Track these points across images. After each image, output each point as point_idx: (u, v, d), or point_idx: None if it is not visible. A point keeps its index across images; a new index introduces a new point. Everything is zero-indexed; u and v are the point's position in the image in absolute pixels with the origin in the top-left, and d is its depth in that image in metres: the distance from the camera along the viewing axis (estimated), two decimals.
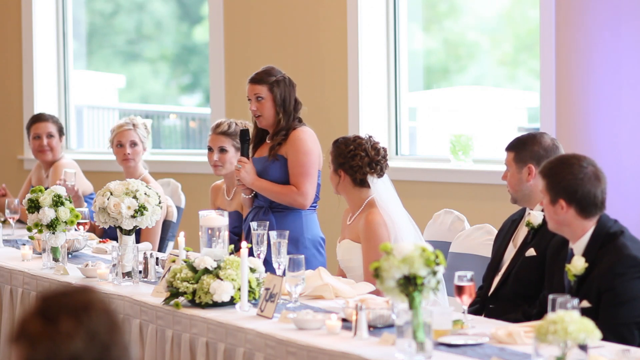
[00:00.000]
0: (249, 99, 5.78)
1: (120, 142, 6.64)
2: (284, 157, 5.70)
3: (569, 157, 4.24)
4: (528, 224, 4.75)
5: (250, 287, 4.49)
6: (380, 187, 5.26)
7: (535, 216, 4.71)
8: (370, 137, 5.29)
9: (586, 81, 6.20)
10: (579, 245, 4.16)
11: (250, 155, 5.82)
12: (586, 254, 4.14)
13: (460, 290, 4.11)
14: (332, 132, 7.77)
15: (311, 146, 5.72)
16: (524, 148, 4.77)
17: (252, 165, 5.74)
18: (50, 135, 7.29)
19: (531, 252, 4.71)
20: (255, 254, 4.94)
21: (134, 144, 6.64)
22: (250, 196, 5.83)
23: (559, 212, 4.13)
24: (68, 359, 2.20)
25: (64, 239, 5.62)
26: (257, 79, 5.78)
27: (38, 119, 7.38)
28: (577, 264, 4.12)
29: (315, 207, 5.81)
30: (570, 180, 4.11)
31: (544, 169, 4.20)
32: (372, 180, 5.23)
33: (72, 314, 2.22)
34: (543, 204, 4.24)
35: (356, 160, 5.21)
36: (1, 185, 7.62)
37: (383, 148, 5.29)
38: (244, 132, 5.80)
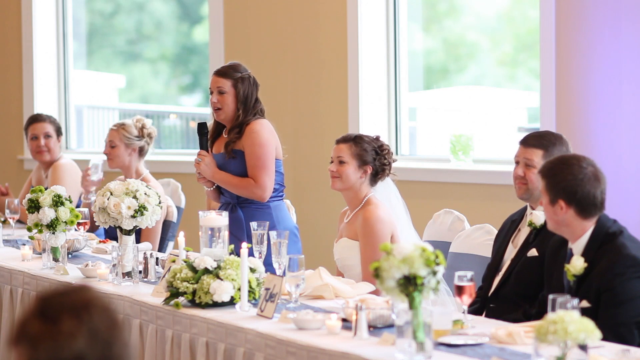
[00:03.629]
0: (210, 92, 5.82)
1: (105, 141, 6.71)
2: (241, 151, 5.74)
3: (568, 157, 4.24)
4: (530, 224, 4.74)
5: (250, 287, 4.49)
6: (391, 186, 5.31)
7: (537, 216, 4.70)
8: None
9: (586, 81, 6.20)
10: (578, 245, 4.16)
11: (209, 148, 5.86)
12: (585, 254, 4.14)
13: (460, 290, 4.11)
14: (332, 132, 7.78)
15: (267, 137, 5.75)
16: (554, 147, 4.73)
17: (212, 158, 5.79)
18: (47, 136, 7.29)
19: (533, 252, 4.70)
20: (255, 254, 4.95)
21: (112, 144, 6.67)
22: (212, 188, 5.85)
23: (558, 213, 4.13)
24: (71, 358, 2.20)
25: (64, 239, 5.62)
26: (222, 72, 5.83)
27: (35, 119, 7.38)
28: (577, 264, 4.12)
29: (282, 196, 5.85)
30: (570, 180, 4.11)
31: (544, 169, 4.20)
32: (387, 179, 5.28)
33: (73, 313, 2.22)
34: (542, 204, 4.23)
35: (387, 158, 5.27)
36: (4, 184, 7.62)
37: None
38: (201, 125, 5.84)
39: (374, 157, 5.24)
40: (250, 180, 5.73)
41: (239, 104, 5.77)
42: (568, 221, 4.13)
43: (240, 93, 5.77)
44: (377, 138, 5.32)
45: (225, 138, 5.83)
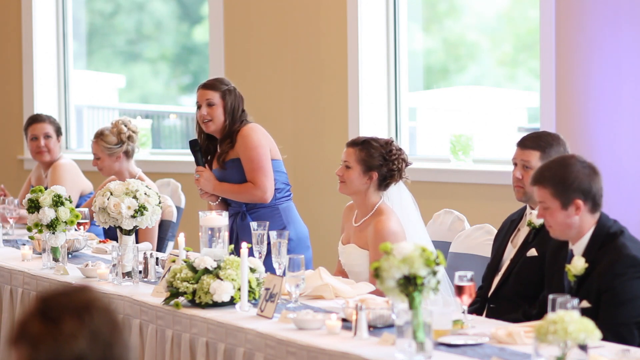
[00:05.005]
0: (198, 106, 5.89)
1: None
2: (237, 159, 5.81)
3: (563, 158, 4.22)
4: (529, 224, 4.74)
5: (250, 287, 4.49)
6: (403, 191, 5.23)
7: (536, 215, 4.69)
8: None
9: (586, 81, 6.20)
10: (579, 246, 4.16)
11: (205, 163, 5.93)
12: (586, 254, 4.14)
13: (460, 290, 4.11)
14: (332, 132, 7.78)
15: (258, 139, 5.80)
16: (551, 148, 4.72)
17: (210, 172, 5.84)
18: (47, 136, 7.28)
19: (532, 252, 4.69)
20: (255, 254, 4.95)
21: (96, 157, 6.69)
22: (217, 202, 5.90)
23: (571, 215, 4.09)
24: (72, 359, 2.20)
25: (64, 239, 5.62)
26: (209, 85, 5.92)
27: (35, 119, 7.38)
28: (577, 265, 4.12)
29: (289, 196, 5.86)
30: (582, 178, 4.10)
31: (545, 178, 4.14)
32: (399, 184, 5.20)
33: (74, 313, 2.22)
34: (546, 214, 4.16)
35: (396, 164, 5.13)
36: (0, 185, 7.62)
37: None
38: (193, 143, 5.92)
39: (381, 163, 5.12)
40: (249, 184, 5.78)
41: (227, 115, 5.84)
42: (580, 220, 4.12)
43: (228, 105, 5.85)
44: (389, 142, 5.16)
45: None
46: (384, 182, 5.16)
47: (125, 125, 6.71)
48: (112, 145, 6.66)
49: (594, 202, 4.12)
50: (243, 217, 5.83)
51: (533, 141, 4.77)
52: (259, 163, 5.76)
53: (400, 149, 5.20)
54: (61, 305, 2.23)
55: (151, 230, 6.43)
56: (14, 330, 2.24)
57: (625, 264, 4.05)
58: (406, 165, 5.19)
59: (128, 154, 6.71)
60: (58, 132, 7.35)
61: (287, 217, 5.83)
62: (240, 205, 5.85)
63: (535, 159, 4.72)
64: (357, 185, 5.15)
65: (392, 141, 5.22)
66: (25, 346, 2.22)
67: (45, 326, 2.21)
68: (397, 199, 5.23)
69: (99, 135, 6.70)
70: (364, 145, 5.15)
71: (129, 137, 6.69)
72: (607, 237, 4.13)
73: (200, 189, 5.88)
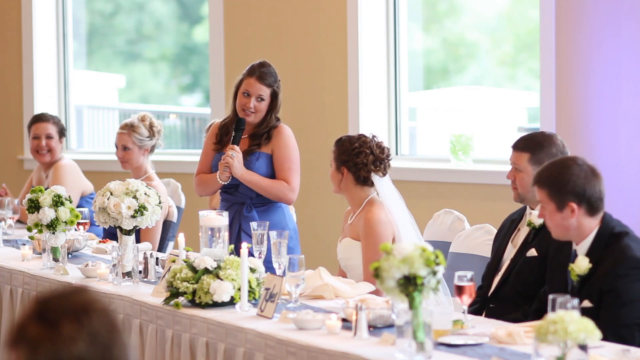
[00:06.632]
0: (246, 94, 5.77)
1: (116, 144, 6.65)
2: (267, 154, 5.75)
3: (563, 160, 4.22)
4: (529, 224, 4.73)
5: (250, 287, 4.50)
6: (384, 186, 5.26)
7: (536, 216, 4.69)
8: (374, 136, 5.29)
9: (586, 81, 6.20)
10: (582, 246, 4.15)
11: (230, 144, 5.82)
12: (590, 253, 4.13)
13: (460, 290, 4.11)
14: (332, 132, 7.78)
15: (295, 143, 5.83)
16: (541, 149, 4.71)
17: (242, 157, 5.73)
18: (49, 137, 7.26)
19: (532, 252, 4.69)
20: (255, 254, 4.95)
21: (125, 147, 6.60)
22: (225, 183, 5.80)
23: (568, 217, 4.09)
24: None
25: (64, 239, 5.62)
26: (265, 80, 5.77)
27: (39, 119, 7.37)
28: (582, 265, 4.11)
29: None
30: (576, 181, 4.09)
31: (542, 179, 4.15)
32: (376, 178, 5.23)
33: (73, 316, 2.21)
34: (545, 214, 4.17)
35: (361, 157, 5.20)
36: (1, 185, 7.62)
37: (387, 147, 5.29)
38: (241, 121, 5.77)
39: (346, 159, 5.22)
40: (283, 182, 5.73)
41: (270, 111, 5.77)
42: (578, 223, 4.11)
43: (277, 104, 5.78)
44: (358, 138, 5.27)
45: (244, 139, 5.80)
46: (358, 176, 5.21)
47: (154, 121, 6.68)
48: (144, 137, 6.61)
49: (589, 205, 4.10)
50: (249, 208, 5.79)
51: (523, 143, 4.77)
52: (296, 164, 5.78)
53: (366, 143, 5.22)
54: (59, 308, 2.23)
55: (154, 230, 6.42)
56: (12, 333, 2.23)
57: (629, 266, 4.05)
58: (375, 159, 5.20)
59: (152, 150, 6.67)
60: (61, 133, 7.33)
61: (287, 214, 5.87)
62: (245, 197, 5.80)
63: (524, 161, 4.72)
64: (335, 183, 5.30)
65: (363, 137, 5.27)
66: (23, 349, 2.21)
67: (43, 329, 2.21)
68: (382, 194, 5.26)
69: (130, 127, 6.61)
70: (337, 144, 5.31)
71: (159, 132, 6.66)
72: (611, 238, 4.12)
73: (226, 165, 5.74)
